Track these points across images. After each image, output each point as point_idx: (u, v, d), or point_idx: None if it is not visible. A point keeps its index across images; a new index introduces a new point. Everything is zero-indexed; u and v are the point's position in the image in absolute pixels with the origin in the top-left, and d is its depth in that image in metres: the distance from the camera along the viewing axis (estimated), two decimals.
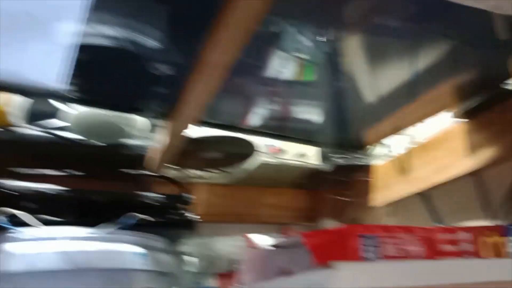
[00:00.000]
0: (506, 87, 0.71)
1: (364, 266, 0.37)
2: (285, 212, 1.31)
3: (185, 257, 1.02)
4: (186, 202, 0.83)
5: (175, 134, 0.75)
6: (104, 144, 0.95)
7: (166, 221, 0.80)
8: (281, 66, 1.17)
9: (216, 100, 1.10)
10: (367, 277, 0.36)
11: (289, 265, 0.52)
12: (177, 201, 0.82)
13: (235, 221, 1.23)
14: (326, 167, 1.06)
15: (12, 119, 0.83)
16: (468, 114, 0.83)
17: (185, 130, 0.72)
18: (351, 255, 0.41)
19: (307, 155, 1.08)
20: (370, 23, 0.94)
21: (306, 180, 1.22)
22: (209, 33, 0.52)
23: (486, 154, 0.76)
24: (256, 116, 1.13)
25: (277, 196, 1.29)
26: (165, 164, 0.95)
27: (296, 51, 1.20)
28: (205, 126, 0.95)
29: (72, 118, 0.81)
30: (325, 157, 1.08)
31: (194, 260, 1.00)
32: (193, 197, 0.80)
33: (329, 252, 0.41)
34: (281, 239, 0.50)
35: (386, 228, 0.45)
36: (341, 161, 1.05)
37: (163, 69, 0.85)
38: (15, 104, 0.81)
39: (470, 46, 0.81)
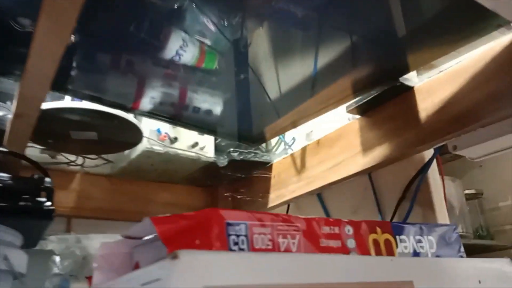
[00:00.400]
0: (404, 82, 0.69)
1: (219, 257, 0.29)
2: (177, 210, 1.20)
3: (46, 256, 0.86)
4: (46, 188, 0.69)
5: (28, 98, 0.61)
6: None
7: (18, 209, 0.66)
8: (181, 48, 1.08)
9: (105, 78, 0.97)
10: (222, 271, 0.28)
11: (145, 257, 0.42)
12: (34, 186, 0.67)
13: (117, 218, 1.10)
14: (222, 161, 0.98)
15: None
16: (362, 110, 0.81)
17: (39, 92, 0.59)
18: (209, 244, 0.32)
19: (201, 147, 0.99)
20: (273, 7, 0.89)
21: (200, 175, 1.13)
22: None
23: (379, 153, 0.74)
24: (149, 100, 1.02)
25: (168, 192, 1.19)
26: (29, 143, 0.80)
27: (198, 34, 1.12)
28: (85, 98, 0.81)
29: None
30: (221, 150, 1.00)
31: (57, 259, 0.86)
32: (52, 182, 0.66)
33: (184, 240, 0.32)
34: (133, 228, 0.40)
35: (259, 216, 0.37)
36: (237, 156, 0.97)
37: (26, 24, 0.71)
38: None
39: (370, 40, 0.79)
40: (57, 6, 0.45)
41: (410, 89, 0.71)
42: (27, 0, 0.73)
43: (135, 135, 0.90)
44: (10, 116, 0.77)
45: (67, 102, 0.78)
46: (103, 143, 0.89)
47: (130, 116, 0.87)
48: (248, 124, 1.11)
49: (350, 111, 0.80)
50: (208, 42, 1.14)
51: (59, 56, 0.52)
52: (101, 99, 0.92)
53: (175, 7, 1.06)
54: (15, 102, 0.65)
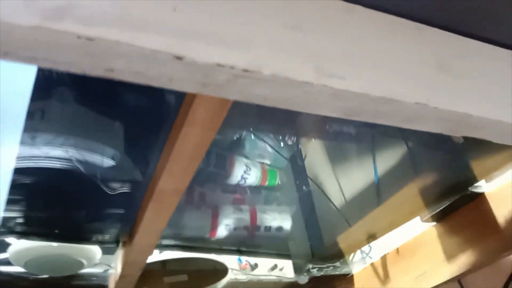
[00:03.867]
0: (474, 190, 0.71)
1: None
2: None
3: None
4: None
5: (133, 262, 0.68)
6: (58, 276, 0.86)
7: None
8: (245, 172, 1.16)
9: (182, 215, 1.05)
10: None
11: None
12: None
13: None
14: (303, 279, 1.00)
15: None
16: (437, 217, 0.83)
17: (143, 258, 0.66)
18: None
19: (280, 268, 1.02)
20: (326, 130, 0.96)
21: None
22: (160, 161, 0.50)
23: (464, 260, 0.74)
24: (224, 227, 1.08)
25: None
26: None
27: (258, 157, 1.20)
28: (170, 249, 0.88)
29: (15, 255, 0.73)
30: (299, 269, 1.02)
31: None
32: None
33: None
34: None
35: None
36: (317, 272, 0.99)
37: (117, 187, 0.81)
38: None
39: (428, 149, 0.83)
40: (164, 195, 0.52)
41: (481, 195, 0.73)
42: (116, 167, 0.84)
43: (220, 270, 0.95)
44: (110, 271, 0.84)
45: (163, 255, 0.85)
46: (192, 281, 0.94)
47: (214, 256, 0.93)
48: (320, 236, 1.13)
49: (425, 221, 0.82)
50: (267, 161, 1.22)
51: (162, 229, 0.59)
52: (181, 237, 0.99)
53: (235, 138, 1.16)
54: (119, 265, 0.73)
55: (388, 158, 0.95)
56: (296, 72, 0.26)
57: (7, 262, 0.76)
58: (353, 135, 1.02)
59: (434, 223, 0.83)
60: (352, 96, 0.28)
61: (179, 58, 0.23)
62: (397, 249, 0.90)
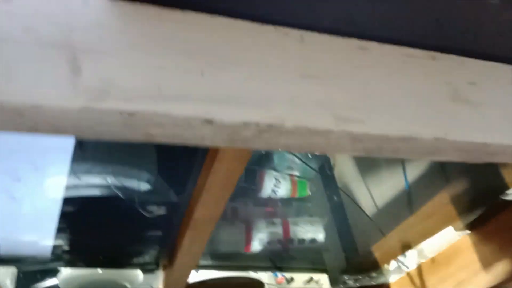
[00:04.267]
0: (505, 197, 0.71)
1: None
2: None
3: None
4: None
5: (173, 284, 0.71)
6: None
7: None
8: (275, 186, 1.18)
9: (216, 231, 1.08)
10: None
11: None
12: None
13: None
14: None
15: None
16: (470, 226, 0.82)
17: (183, 279, 0.69)
18: None
19: (316, 281, 1.03)
20: None
21: None
22: (194, 191, 0.53)
23: (501, 269, 0.73)
24: (258, 241, 1.10)
25: None
26: None
27: (287, 169, 1.22)
28: (208, 268, 0.92)
29: (64, 282, 0.77)
30: (335, 281, 1.03)
31: None
32: None
33: None
34: None
35: None
36: (354, 284, 1.00)
37: (154, 210, 0.84)
38: (2, 274, 0.78)
39: None
40: (200, 223, 0.55)
41: None
42: (154, 191, 0.88)
43: (257, 285, 0.97)
44: None
45: (201, 275, 0.88)
46: None
47: (250, 273, 0.95)
48: (354, 246, 1.14)
49: (458, 230, 0.81)
50: (296, 173, 1.24)
51: (201, 253, 0.62)
52: (217, 254, 1.02)
53: (263, 152, 1.18)
54: (160, 286, 0.76)
55: (419, 165, 0.95)
56: (316, 122, 0.28)
57: None
58: None
59: (468, 232, 0.83)
60: (371, 138, 0.30)
61: (209, 121, 0.25)
62: (433, 258, 0.90)
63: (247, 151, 0.42)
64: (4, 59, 0.23)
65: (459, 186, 0.80)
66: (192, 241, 0.57)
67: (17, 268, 0.79)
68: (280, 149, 0.29)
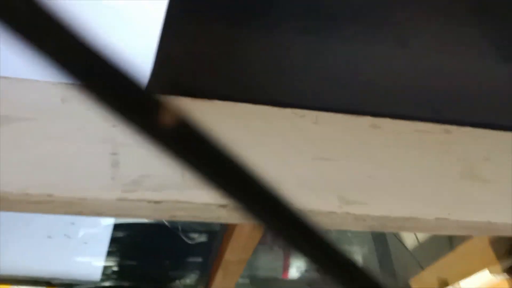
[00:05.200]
0: None
1: None
2: None
3: None
4: None
5: None
6: None
7: None
8: None
9: (255, 255, 1.11)
10: None
11: None
12: None
13: None
14: None
15: None
16: (508, 270, 0.80)
17: None
18: None
19: None
20: None
21: None
22: (224, 237, 0.57)
23: None
24: (296, 268, 1.13)
25: None
26: None
27: None
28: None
29: None
30: None
31: None
32: None
33: None
34: None
35: None
36: None
37: (195, 237, 0.90)
38: None
39: None
40: (229, 265, 0.59)
41: None
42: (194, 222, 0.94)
43: None
44: None
45: None
46: None
47: None
48: (392, 277, 1.13)
49: (494, 273, 0.80)
50: None
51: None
52: (254, 279, 1.05)
53: None
54: None
55: None
56: (321, 204, 0.31)
57: None
58: None
59: (507, 276, 0.81)
60: (373, 218, 0.32)
61: (223, 206, 0.30)
62: None
63: None
64: (61, 156, 0.28)
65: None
66: (223, 279, 0.61)
67: None
68: None
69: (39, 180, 0.28)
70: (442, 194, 0.35)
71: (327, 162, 0.34)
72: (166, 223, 0.88)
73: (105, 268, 0.82)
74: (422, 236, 1.10)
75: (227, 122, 0.33)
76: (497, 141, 0.40)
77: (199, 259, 0.90)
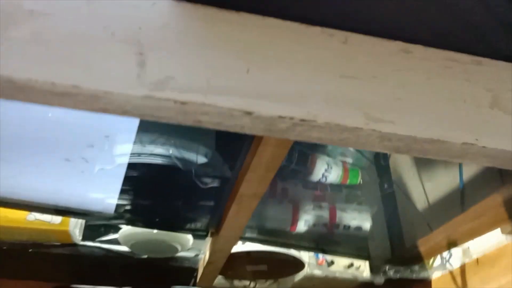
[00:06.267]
0: None
1: None
2: None
3: None
4: None
5: (219, 251, 0.78)
6: (157, 257, 0.99)
7: None
8: (326, 171, 1.20)
9: (264, 207, 1.13)
10: None
11: None
12: None
13: None
14: (379, 280, 1.03)
15: (72, 237, 0.90)
16: None
17: (228, 248, 0.75)
18: None
19: (356, 267, 1.05)
20: None
21: None
22: (241, 169, 0.57)
23: None
24: (304, 222, 1.14)
25: None
26: (213, 277, 0.97)
27: (340, 156, 1.23)
28: (253, 241, 0.97)
29: (123, 237, 0.86)
30: (376, 269, 1.05)
31: None
32: None
33: None
34: None
35: None
36: (394, 274, 1.01)
37: (208, 182, 0.91)
38: (72, 224, 0.89)
39: None
40: (244, 198, 0.60)
41: None
42: (209, 164, 0.94)
43: (298, 264, 1.02)
44: (200, 256, 0.95)
45: (247, 246, 0.94)
46: (271, 271, 1.02)
47: (292, 251, 0.99)
48: (400, 238, 1.14)
49: (507, 233, 0.80)
50: (349, 160, 1.24)
51: (244, 226, 0.67)
52: (263, 230, 1.07)
53: None
54: (207, 252, 0.83)
55: (476, 165, 0.93)
56: (347, 119, 0.31)
57: (117, 242, 0.91)
58: None
59: None
60: (399, 138, 0.32)
61: (249, 113, 0.29)
62: (477, 259, 0.89)
63: (289, 140, 0.45)
64: (86, 52, 0.28)
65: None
66: (236, 214, 0.62)
67: (85, 220, 0.89)
68: (312, 141, 0.32)
69: (65, 72, 0.27)
70: (470, 121, 0.34)
71: (355, 81, 0.33)
72: (181, 166, 0.88)
73: (119, 205, 0.84)
74: (433, 196, 1.10)
75: (253, 35, 0.32)
76: None
77: (211, 203, 0.91)
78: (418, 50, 0.37)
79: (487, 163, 0.34)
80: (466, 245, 0.93)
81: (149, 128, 0.84)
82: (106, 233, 0.92)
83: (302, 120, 0.30)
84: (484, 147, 0.33)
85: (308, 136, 0.32)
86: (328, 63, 0.33)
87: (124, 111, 0.29)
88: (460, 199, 0.96)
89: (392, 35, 0.37)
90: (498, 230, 0.82)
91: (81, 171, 0.78)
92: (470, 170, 0.95)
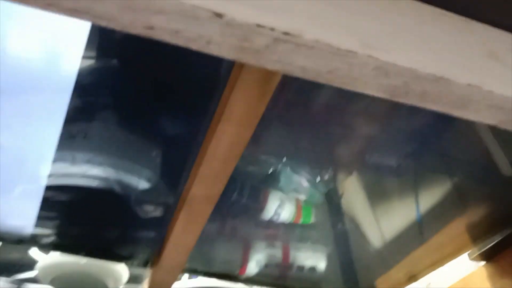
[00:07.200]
0: None
1: None
2: None
3: None
4: None
5: (158, 284, 0.66)
6: None
7: None
8: (279, 207, 1.13)
9: (211, 247, 1.02)
10: None
11: None
12: None
13: None
14: None
15: None
16: (486, 256, 0.76)
17: (171, 281, 0.64)
18: None
19: None
20: (363, 162, 0.94)
21: None
22: (193, 166, 0.49)
23: None
24: (255, 263, 1.05)
25: None
26: None
27: (293, 192, 1.17)
28: (198, 275, 0.85)
29: (43, 269, 0.72)
30: None
31: None
32: None
33: None
34: None
35: None
36: None
37: (148, 210, 0.80)
38: None
39: (475, 183, 0.78)
40: (195, 203, 0.51)
41: None
42: (152, 190, 0.84)
43: None
44: None
45: (192, 282, 0.83)
46: None
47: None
48: (355, 278, 1.07)
49: (473, 259, 0.75)
50: (302, 197, 1.19)
51: (191, 248, 0.57)
52: (211, 272, 0.96)
53: (270, 171, 1.14)
54: (146, 286, 0.70)
55: (432, 193, 0.91)
56: (340, 40, 0.25)
57: (34, 280, 0.76)
58: (393, 169, 0.99)
59: (483, 262, 0.77)
60: (398, 71, 0.26)
61: (219, 15, 0.22)
62: None
63: (255, 113, 0.38)
64: None
65: (475, 213, 0.75)
66: (185, 225, 0.52)
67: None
68: (294, 73, 0.26)
69: None
70: (472, 65, 0.29)
71: (343, 10, 0.27)
72: (118, 190, 0.78)
73: (39, 226, 0.71)
74: (389, 234, 1.06)
75: None
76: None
77: (151, 234, 0.80)
78: (405, 1, 0.33)
79: (488, 117, 0.30)
80: (428, 277, 0.88)
81: (84, 145, 0.74)
82: (22, 269, 0.77)
83: (286, 33, 0.24)
84: (490, 91, 0.28)
85: (289, 62, 0.25)
86: None
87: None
88: (418, 231, 0.92)
89: None
90: (463, 257, 0.78)
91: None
92: (427, 200, 0.92)
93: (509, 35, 0.35)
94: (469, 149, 0.78)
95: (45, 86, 0.64)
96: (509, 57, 0.33)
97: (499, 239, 0.71)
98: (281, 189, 1.16)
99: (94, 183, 0.76)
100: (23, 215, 0.67)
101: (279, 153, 1.03)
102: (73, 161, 0.76)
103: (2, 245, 0.65)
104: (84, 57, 0.57)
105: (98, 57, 0.64)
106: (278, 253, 1.09)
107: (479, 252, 0.74)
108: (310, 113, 0.81)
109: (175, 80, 0.59)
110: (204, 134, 0.47)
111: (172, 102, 0.65)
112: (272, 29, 0.23)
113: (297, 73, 0.26)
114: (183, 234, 0.53)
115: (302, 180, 1.18)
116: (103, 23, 0.22)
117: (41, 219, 0.68)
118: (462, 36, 0.32)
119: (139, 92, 0.67)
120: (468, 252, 0.76)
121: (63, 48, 0.57)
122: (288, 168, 1.13)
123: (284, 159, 1.04)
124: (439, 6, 0.34)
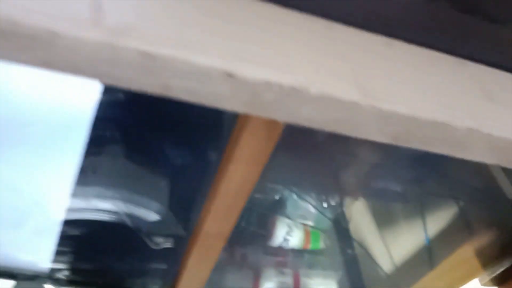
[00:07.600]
0: None
1: None
2: None
3: None
4: None
5: None
6: None
7: None
8: (287, 234, 1.14)
9: (221, 277, 1.02)
10: None
11: None
12: None
13: None
14: None
15: None
16: (498, 280, 0.76)
17: None
18: None
19: None
20: (369, 188, 0.94)
21: None
22: (205, 203, 0.50)
23: None
24: None
25: None
26: None
27: (301, 218, 1.18)
28: None
29: None
30: None
31: None
32: None
33: None
34: None
35: None
36: None
37: (159, 241, 0.81)
38: None
39: (483, 207, 0.79)
40: (208, 239, 0.52)
41: None
42: (161, 222, 0.85)
43: None
44: None
45: None
46: None
47: None
48: None
49: (484, 284, 0.75)
50: (310, 223, 1.19)
51: (205, 282, 0.58)
52: None
53: (277, 198, 1.15)
54: None
55: (439, 218, 0.91)
56: (343, 92, 0.26)
57: None
58: (400, 194, 0.99)
59: (495, 287, 0.76)
60: (400, 119, 0.28)
61: (230, 75, 0.24)
62: None
63: (265, 152, 0.40)
64: None
65: (483, 238, 0.75)
66: (198, 260, 0.53)
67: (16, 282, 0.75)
68: (301, 123, 0.27)
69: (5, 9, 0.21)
70: (470, 109, 0.31)
71: (343, 61, 0.29)
72: (129, 223, 0.79)
73: (55, 261, 0.72)
74: (398, 257, 1.05)
75: (234, 18, 0.28)
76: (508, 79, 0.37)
77: (163, 266, 0.80)
78: (399, 45, 0.34)
79: (488, 157, 0.31)
80: None
81: (94, 179, 0.76)
82: None
83: (292, 88, 0.25)
84: (489, 134, 0.29)
85: (296, 113, 0.27)
86: (313, 39, 0.30)
87: (71, 64, 0.23)
88: (428, 255, 0.92)
89: (373, 27, 0.34)
90: (474, 283, 0.78)
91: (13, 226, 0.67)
92: (435, 225, 0.93)
93: (502, 73, 0.37)
94: (476, 174, 0.79)
95: (61, 123, 0.65)
96: (504, 95, 0.34)
97: (511, 264, 0.71)
98: (288, 216, 1.17)
99: (107, 217, 0.77)
100: (38, 251, 0.68)
101: (285, 180, 1.04)
102: (84, 196, 0.77)
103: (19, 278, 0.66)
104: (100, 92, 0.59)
105: (108, 92, 0.66)
106: (289, 280, 1.08)
107: (490, 278, 0.74)
108: (315, 141, 0.82)
109: (185, 116, 0.61)
110: (213, 168, 0.49)
111: (182, 137, 0.66)
112: (280, 86, 0.25)
113: (303, 123, 0.27)
114: (197, 268, 0.54)
115: (309, 206, 1.19)
116: (122, 83, 0.24)
117: (56, 254, 0.69)
118: (457, 79, 0.33)
119: (149, 127, 0.69)
120: (479, 278, 0.76)
121: (79, 86, 0.59)
122: (294, 194, 1.14)
123: (290, 186, 1.05)
124: (434, 49, 0.35)
